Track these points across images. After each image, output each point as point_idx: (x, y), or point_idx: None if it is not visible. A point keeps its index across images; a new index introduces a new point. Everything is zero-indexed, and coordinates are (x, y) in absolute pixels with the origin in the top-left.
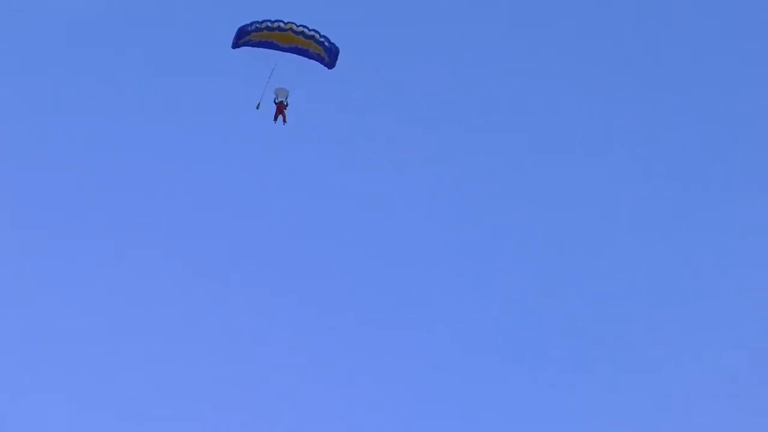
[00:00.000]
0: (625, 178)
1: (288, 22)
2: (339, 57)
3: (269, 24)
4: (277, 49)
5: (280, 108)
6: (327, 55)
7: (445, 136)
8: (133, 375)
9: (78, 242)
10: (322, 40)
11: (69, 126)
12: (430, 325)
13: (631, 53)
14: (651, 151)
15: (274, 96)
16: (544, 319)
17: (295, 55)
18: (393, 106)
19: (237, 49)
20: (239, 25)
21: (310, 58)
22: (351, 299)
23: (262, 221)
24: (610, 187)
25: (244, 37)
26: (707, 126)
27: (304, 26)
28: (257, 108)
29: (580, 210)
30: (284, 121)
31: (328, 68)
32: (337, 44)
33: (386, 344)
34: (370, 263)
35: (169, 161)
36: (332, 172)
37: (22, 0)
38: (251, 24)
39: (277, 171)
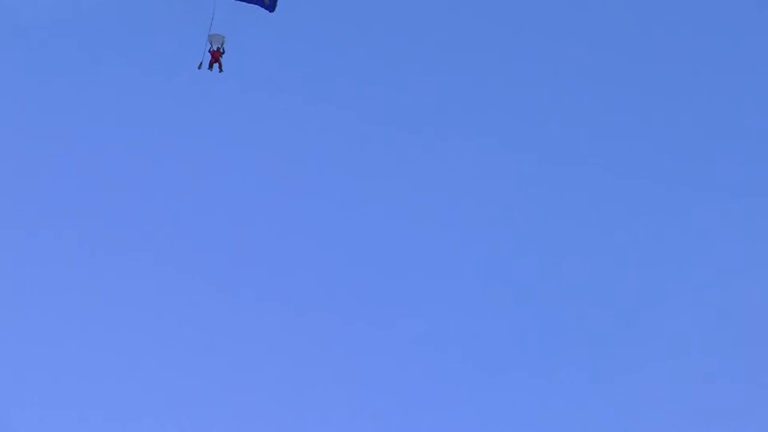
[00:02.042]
0: (622, 179)
1: None
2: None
3: None
4: None
5: (216, 56)
6: None
7: (443, 137)
8: (130, 375)
9: (73, 243)
10: None
11: (65, 127)
12: (424, 325)
13: (631, 55)
14: (648, 152)
15: (209, 44)
16: (540, 319)
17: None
18: (392, 105)
19: None
20: None
21: (248, 2)
22: (346, 299)
23: (260, 222)
24: (606, 188)
25: None
26: (705, 127)
27: None
28: (199, 68)
29: (578, 210)
30: (220, 69)
31: (269, 11)
32: None
33: (383, 344)
34: (366, 263)
35: (164, 163)
36: (330, 172)
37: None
38: None
39: (275, 172)
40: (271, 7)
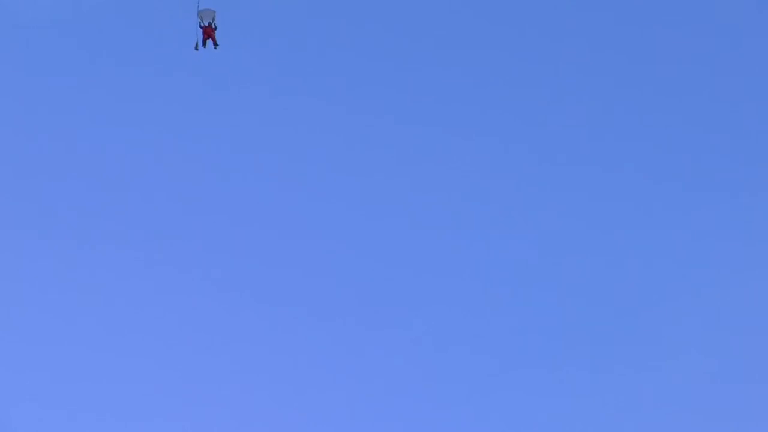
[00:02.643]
0: (618, 180)
1: None
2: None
3: None
4: None
5: (208, 31)
6: None
7: (443, 136)
8: (130, 376)
9: (73, 243)
10: None
11: (65, 127)
12: (424, 325)
13: (632, 55)
14: (649, 152)
15: (199, 20)
16: (541, 319)
17: None
18: (394, 104)
19: None
20: None
21: None
22: (345, 300)
23: (261, 222)
24: (602, 188)
25: None
26: (706, 127)
27: None
28: (196, 49)
29: (578, 210)
30: (215, 45)
31: None
32: None
33: (383, 344)
34: (365, 264)
35: (164, 163)
36: (330, 172)
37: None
38: None
39: (275, 171)
40: None
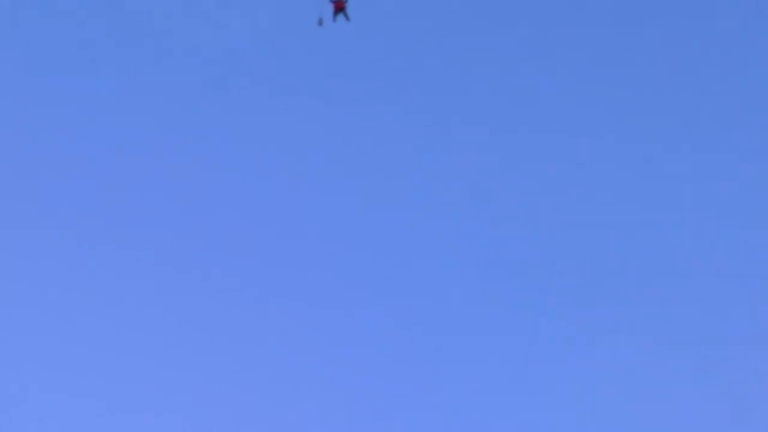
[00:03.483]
0: (621, 176)
1: None
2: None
3: None
4: None
5: (340, 5)
6: None
7: (441, 137)
8: (131, 376)
9: (73, 243)
10: None
11: (65, 127)
12: (426, 324)
13: (629, 55)
14: (646, 152)
15: None
16: (542, 318)
17: None
18: (391, 105)
19: None
20: None
21: None
22: (346, 300)
23: (257, 223)
24: (602, 188)
25: None
26: (701, 128)
27: None
28: (320, 24)
29: (580, 209)
30: (347, 17)
31: None
32: None
33: (381, 345)
34: (366, 264)
35: (158, 164)
36: (325, 173)
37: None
38: None
39: (272, 172)
40: None
